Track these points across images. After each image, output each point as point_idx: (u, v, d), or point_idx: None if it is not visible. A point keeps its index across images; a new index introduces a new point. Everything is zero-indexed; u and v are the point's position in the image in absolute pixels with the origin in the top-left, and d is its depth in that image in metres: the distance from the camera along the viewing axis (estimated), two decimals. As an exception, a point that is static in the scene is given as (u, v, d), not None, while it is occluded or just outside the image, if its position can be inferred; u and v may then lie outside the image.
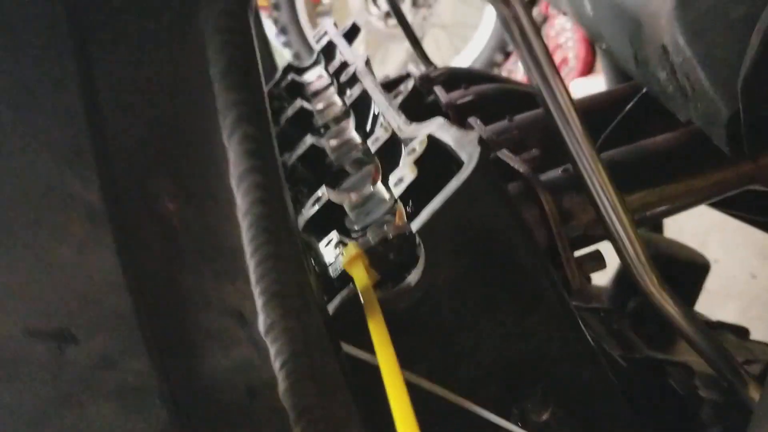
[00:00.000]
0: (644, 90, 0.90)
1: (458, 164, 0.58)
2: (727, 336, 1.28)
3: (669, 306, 0.64)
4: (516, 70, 4.05)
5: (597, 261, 0.74)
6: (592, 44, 3.24)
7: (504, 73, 4.15)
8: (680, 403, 0.91)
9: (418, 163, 0.62)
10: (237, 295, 0.44)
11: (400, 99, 0.76)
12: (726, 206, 1.08)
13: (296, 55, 4.40)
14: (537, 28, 0.54)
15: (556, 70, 0.56)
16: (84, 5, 0.40)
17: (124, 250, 0.42)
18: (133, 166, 0.41)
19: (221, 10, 0.40)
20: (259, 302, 0.41)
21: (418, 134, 0.65)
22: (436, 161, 0.62)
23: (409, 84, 0.79)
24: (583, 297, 1.12)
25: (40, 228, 0.40)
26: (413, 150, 0.63)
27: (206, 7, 0.40)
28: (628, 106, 0.89)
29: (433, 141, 0.63)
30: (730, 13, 0.67)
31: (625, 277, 1.23)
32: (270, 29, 4.54)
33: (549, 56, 0.55)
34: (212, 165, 0.42)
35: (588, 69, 3.32)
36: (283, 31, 4.37)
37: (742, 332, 1.31)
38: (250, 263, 0.43)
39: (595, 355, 0.63)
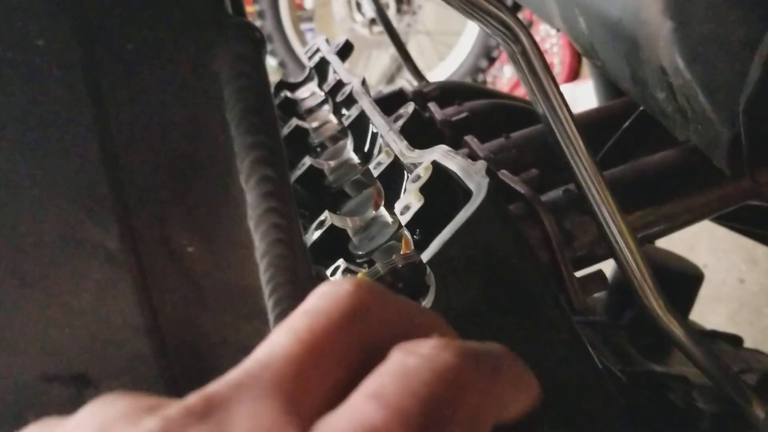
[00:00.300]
0: (641, 107, 0.90)
1: (465, 192, 0.59)
2: (722, 345, 1.29)
3: (675, 328, 0.64)
4: (501, 76, 4.07)
5: (600, 282, 0.74)
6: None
7: (489, 78, 4.17)
8: (681, 419, 0.92)
9: (424, 190, 0.62)
10: (255, 336, 0.44)
11: (401, 123, 0.77)
12: (719, 217, 1.10)
13: (282, 64, 4.40)
14: (546, 63, 0.54)
15: (566, 104, 0.57)
16: (100, 51, 0.39)
17: (143, 293, 0.42)
18: (151, 211, 0.41)
19: (236, 54, 0.40)
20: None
21: (421, 160, 0.65)
22: (442, 188, 0.62)
23: (410, 108, 0.79)
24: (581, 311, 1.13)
25: (59, 275, 0.40)
26: (418, 177, 0.63)
27: (221, 52, 0.40)
28: (626, 124, 0.89)
29: (437, 168, 0.63)
30: (730, 36, 0.67)
31: (620, 286, 1.24)
32: (254, 37, 4.53)
33: (558, 90, 0.55)
34: (230, 207, 0.42)
35: (574, 74, 3.34)
36: (268, 39, 4.36)
37: (736, 341, 1.33)
38: (269, 303, 0.43)
39: (603, 381, 0.63)
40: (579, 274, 0.81)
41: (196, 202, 0.42)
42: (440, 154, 0.63)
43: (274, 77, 4.78)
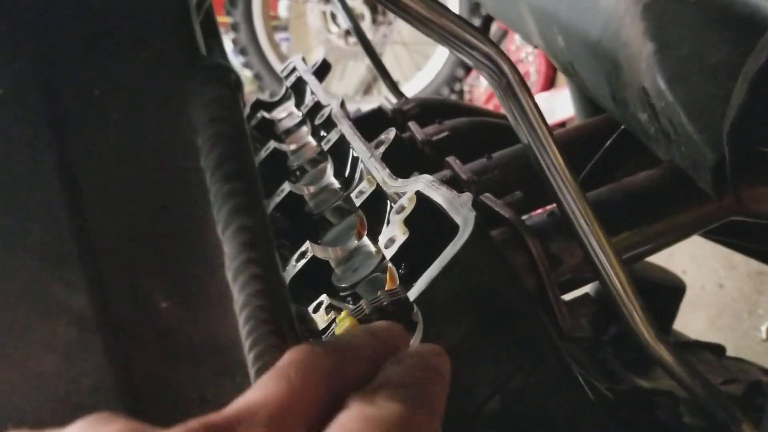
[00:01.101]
0: (622, 126, 0.89)
1: (450, 223, 0.57)
2: (706, 355, 1.29)
3: (664, 354, 0.63)
4: (478, 85, 4.07)
5: (587, 305, 0.73)
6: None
7: (465, 87, 4.17)
8: (670, 437, 0.91)
9: (408, 222, 0.60)
10: (236, 392, 0.42)
11: (382, 149, 0.75)
12: (705, 233, 1.09)
13: (257, 76, 4.38)
14: (531, 94, 0.53)
15: (551, 134, 0.55)
16: (65, 100, 0.37)
17: (114, 353, 0.39)
18: (122, 266, 0.39)
19: (211, 98, 0.38)
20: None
21: (405, 190, 0.64)
22: (427, 220, 0.61)
23: (391, 134, 0.77)
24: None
25: (23, 338, 0.38)
26: (402, 208, 0.62)
27: (195, 95, 0.38)
28: (607, 143, 0.88)
29: (421, 198, 0.61)
30: (711, 58, 0.67)
31: (605, 301, 1.24)
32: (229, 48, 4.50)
33: (544, 121, 0.54)
34: (207, 259, 0.40)
35: (549, 83, 3.35)
36: (242, 52, 4.33)
37: (718, 350, 1.33)
38: (249, 357, 0.41)
39: (594, 409, 0.62)
40: (568, 295, 0.80)
41: (170, 254, 0.40)
42: (424, 184, 0.61)
43: (249, 89, 4.75)
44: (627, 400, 0.95)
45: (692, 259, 2.28)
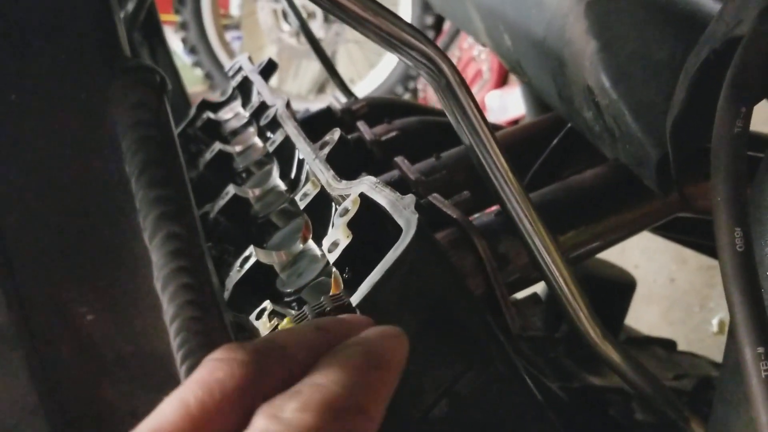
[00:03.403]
0: (569, 124, 0.90)
1: (394, 226, 0.56)
2: (657, 351, 1.31)
3: (612, 353, 0.63)
4: (431, 83, 4.07)
5: (535, 305, 0.73)
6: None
7: (420, 86, 4.18)
8: (620, 433, 0.91)
9: (352, 225, 0.59)
10: (168, 406, 0.40)
11: (326, 151, 0.73)
12: (654, 229, 1.10)
13: (208, 75, 4.31)
14: (470, 93, 0.52)
15: (492, 132, 0.55)
16: (-24, 104, 0.35)
17: (37, 370, 0.37)
18: (41, 278, 0.37)
19: (134, 102, 0.36)
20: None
21: (349, 192, 0.62)
22: (370, 223, 0.59)
23: (335, 135, 0.76)
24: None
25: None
26: (346, 210, 0.60)
27: (118, 98, 0.37)
28: (554, 141, 0.88)
29: (365, 200, 0.60)
30: (654, 56, 0.67)
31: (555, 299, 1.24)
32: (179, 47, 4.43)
33: (484, 119, 0.53)
34: (133, 269, 0.38)
35: (502, 81, 3.37)
36: (192, 51, 4.27)
37: (669, 345, 1.35)
38: (181, 370, 0.40)
39: (541, 410, 0.62)
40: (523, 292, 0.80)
41: (94, 264, 0.38)
42: (368, 186, 0.60)
43: (200, 88, 4.67)
44: (579, 399, 0.95)
45: (644, 254, 2.32)
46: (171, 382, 0.41)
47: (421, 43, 0.49)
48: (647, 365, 1.23)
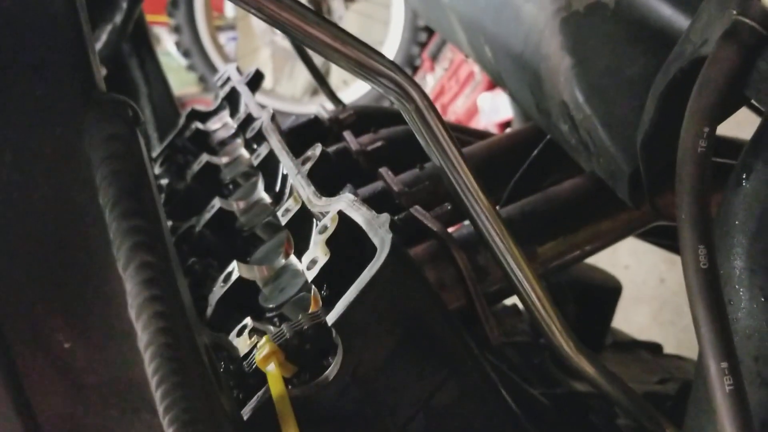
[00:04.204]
0: (548, 136, 0.91)
1: (371, 244, 0.57)
2: (642, 354, 1.32)
3: (586, 366, 0.64)
4: (423, 85, 4.09)
5: (515, 316, 0.74)
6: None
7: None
8: (603, 440, 0.93)
9: (330, 242, 0.60)
10: (146, 429, 0.41)
11: (308, 166, 0.75)
12: (640, 235, 1.12)
13: (201, 78, 4.32)
14: (439, 116, 0.54)
15: (459, 150, 0.56)
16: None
17: (17, 398, 0.39)
18: (20, 307, 0.38)
19: (107, 135, 0.38)
20: None
21: (328, 209, 0.64)
22: (348, 240, 0.61)
23: (317, 150, 0.77)
24: (505, 332, 1.13)
25: None
26: (325, 228, 0.62)
27: (91, 132, 0.38)
28: (534, 153, 0.90)
29: (344, 218, 0.62)
30: (626, 71, 0.68)
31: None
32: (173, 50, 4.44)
33: (454, 142, 0.55)
34: (108, 297, 0.39)
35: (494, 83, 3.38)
36: (186, 54, 4.27)
37: (655, 349, 1.36)
38: (157, 395, 0.41)
39: (519, 422, 0.63)
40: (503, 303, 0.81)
41: (70, 294, 0.39)
42: (346, 203, 0.61)
43: (194, 90, 4.67)
44: (561, 405, 0.97)
45: (633, 255, 2.33)
46: (147, 407, 0.42)
47: (389, 70, 0.51)
48: (632, 369, 1.25)
